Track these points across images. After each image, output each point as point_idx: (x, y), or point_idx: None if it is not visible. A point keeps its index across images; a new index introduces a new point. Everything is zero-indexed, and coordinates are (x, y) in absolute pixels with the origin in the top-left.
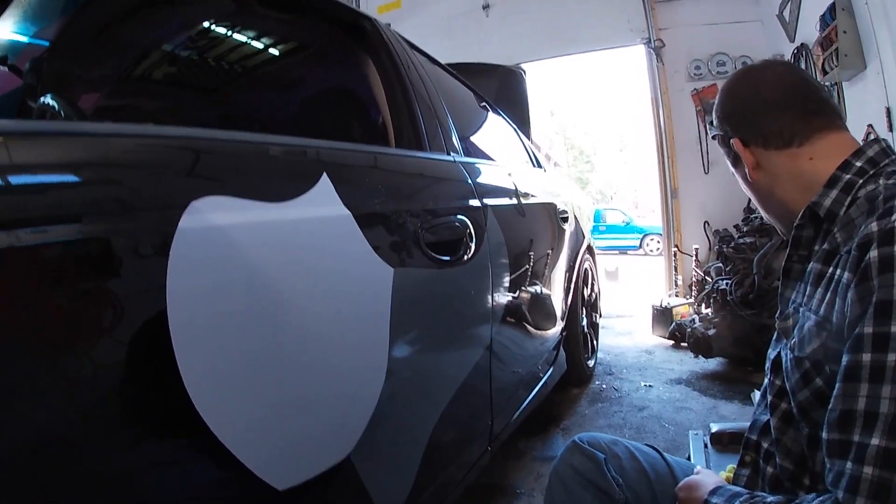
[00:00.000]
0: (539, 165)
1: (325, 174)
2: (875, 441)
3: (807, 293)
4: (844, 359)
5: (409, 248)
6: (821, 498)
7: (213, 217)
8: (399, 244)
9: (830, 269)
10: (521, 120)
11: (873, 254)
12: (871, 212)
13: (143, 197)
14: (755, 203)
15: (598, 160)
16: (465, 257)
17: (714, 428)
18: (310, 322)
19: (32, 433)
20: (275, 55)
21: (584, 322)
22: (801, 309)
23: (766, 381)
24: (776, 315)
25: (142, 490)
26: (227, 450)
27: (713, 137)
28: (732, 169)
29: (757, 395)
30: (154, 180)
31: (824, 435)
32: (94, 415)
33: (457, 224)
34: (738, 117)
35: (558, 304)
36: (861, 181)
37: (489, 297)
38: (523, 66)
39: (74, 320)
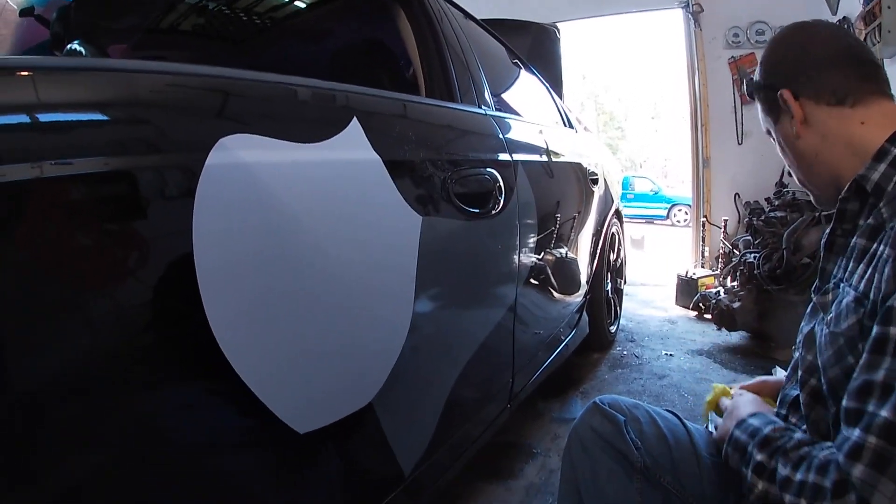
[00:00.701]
0: (570, 126)
1: (355, 118)
2: (884, 413)
3: (849, 269)
4: (874, 330)
5: (438, 198)
6: (829, 451)
7: (241, 154)
8: (428, 192)
9: (875, 246)
10: (553, 80)
11: None
12: None
13: (171, 132)
14: (795, 169)
15: (628, 127)
16: (494, 211)
17: None
18: (337, 266)
19: (54, 372)
20: (304, 4)
21: (609, 287)
22: (842, 285)
23: (796, 355)
24: (813, 289)
25: (165, 428)
26: (251, 391)
27: (752, 93)
28: (773, 128)
29: (778, 371)
30: (183, 116)
31: (843, 403)
32: (119, 354)
33: (486, 177)
34: (790, 66)
35: (584, 267)
36: None
37: (516, 254)
38: (557, 25)
39: (99, 256)
